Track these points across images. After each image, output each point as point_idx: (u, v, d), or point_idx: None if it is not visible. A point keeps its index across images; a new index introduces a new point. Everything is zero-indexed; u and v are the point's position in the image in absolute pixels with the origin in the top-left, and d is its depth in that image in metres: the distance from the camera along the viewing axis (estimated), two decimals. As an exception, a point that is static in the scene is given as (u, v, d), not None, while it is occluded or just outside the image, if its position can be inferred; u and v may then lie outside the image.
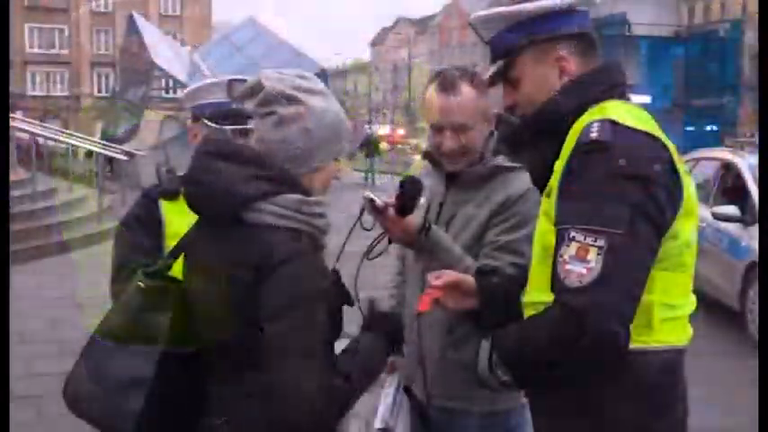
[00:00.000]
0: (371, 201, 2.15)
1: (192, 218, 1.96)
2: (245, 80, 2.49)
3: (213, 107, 2.57)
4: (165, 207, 2.50)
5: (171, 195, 2.47)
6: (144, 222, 2.50)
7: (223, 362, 1.87)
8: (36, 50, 58.34)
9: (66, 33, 58.74)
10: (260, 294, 1.75)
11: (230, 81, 2.59)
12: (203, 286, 1.86)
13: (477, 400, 2.37)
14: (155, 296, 1.90)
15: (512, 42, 1.86)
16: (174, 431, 1.93)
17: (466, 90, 2.33)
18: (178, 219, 2.24)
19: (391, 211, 2.15)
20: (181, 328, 1.89)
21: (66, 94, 58.11)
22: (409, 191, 2.15)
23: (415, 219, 2.17)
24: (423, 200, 2.40)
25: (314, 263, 1.82)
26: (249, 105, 1.88)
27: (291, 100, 1.85)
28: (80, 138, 20.78)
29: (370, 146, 29.30)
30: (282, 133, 1.85)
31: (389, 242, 2.33)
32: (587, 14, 1.91)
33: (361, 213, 2.21)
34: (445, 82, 2.36)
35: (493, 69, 1.92)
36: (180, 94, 37.67)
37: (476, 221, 2.36)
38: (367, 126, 34.78)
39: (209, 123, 2.54)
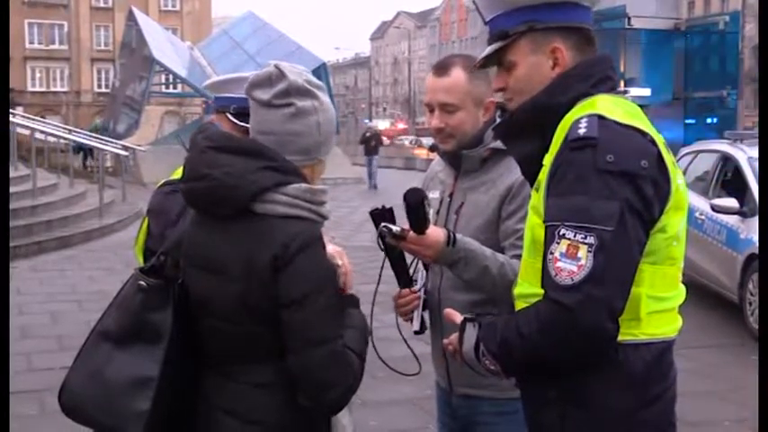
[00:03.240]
0: (389, 231, 2.13)
1: None
2: None
3: (239, 103, 2.52)
4: None
5: None
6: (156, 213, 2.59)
7: (230, 355, 1.89)
8: (36, 46, 58.32)
9: (66, 29, 58.68)
10: (278, 283, 1.79)
11: None
12: (213, 281, 1.87)
13: (497, 387, 2.37)
14: (156, 295, 1.90)
15: (510, 26, 1.87)
16: (179, 427, 1.94)
17: (456, 73, 2.40)
18: None
19: (411, 233, 2.15)
20: (183, 325, 1.90)
21: (65, 89, 58.08)
22: (413, 202, 2.13)
23: (437, 233, 2.18)
24: (437, 194, 2.42)
25: (324, 249, 1.87)
26: (261, 94, 1.89)
27: (307, 93, 1.90)
28: (80, 134, 20.80)
29: (371, 142, 24.93)
30: (297, 126, 1.89)
31: (426, 268, 2.34)
32: (589, 10, 1.92)
33: (385, 249, 2.22)
34: (440, 64, 2.48)
35: (488, 50, 1.93)
36: (180, 89, 37.72)
37: (485, 207, 2.39)
38: (366, 120, 30.71)
39: (233, 120, 2.53)
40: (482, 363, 1.80)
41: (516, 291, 1.86)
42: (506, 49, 1.88)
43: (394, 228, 2.13)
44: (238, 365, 1.88)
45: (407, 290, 2.41)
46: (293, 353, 1.80)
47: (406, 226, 2.16)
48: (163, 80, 35.15)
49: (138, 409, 1.81)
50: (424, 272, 2.40)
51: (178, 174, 2.38)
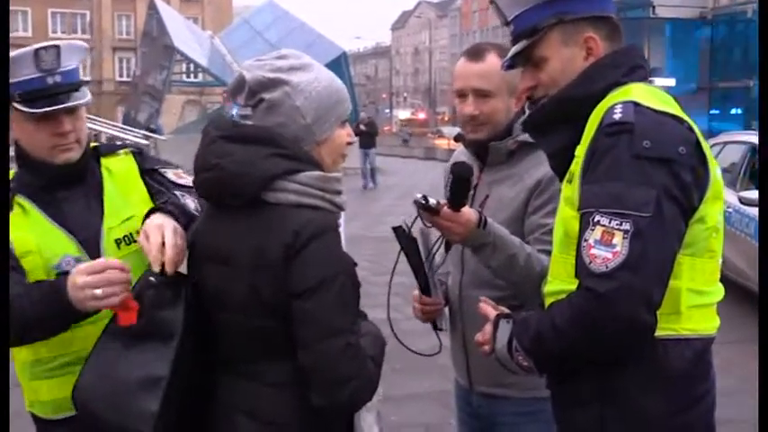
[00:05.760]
0: (425, 201, 2.07)
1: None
2: (55, 47, 2.09)
3: (24, 86, 2.05)
4: None
5: None
6: None
7: (245, 353, 1.83)
8: (59, 35, 58.73)
9: (88, 18, 59.09)
10: (290, 273, 1.72)
11: (37, 51, 2.06)
12: (226, 274, 1.81)
13: (518, 387, 2.34)
14: (167, 292, 1.84)
15: (539, 21, 1.81)
16: (192, 428, 1.89)
17: (491, 58, 2.33)
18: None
19: (446, 209, 2.09)
20: (194, 322, 1.84)
21: (87, 78, 58.48)
22: (460, 175, 2.09)
23: (470, 213, 2.11)
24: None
25: (339, 238, 1.80)
26: (240, 99, 1.84)
27: (273, 84, 1.81)
28: (102, 122, 20.91)
29: (366, 132, 20.41)
30: (276, 118, 1.81)
31: (447, 249, 2.29)
32: (612, 0, 1.88)
33: (407, 255, 2.20)
34: (473, 50, 2.40)
35: (516, 49, 1.86)
36: (201, 78, 37.84)
37: (511, 201, 2.32)
38: (363, 112, 24.32)
39: (20, 107, 2.04)
40: (515, 359, 1.74)
41: (546, 289, 1.80)
42: (536, 44, 1.82)
43: (431, 200, 2.07)
44: (254, 364, 1.82)
45: (430, 298, 2.36)
46: (305, 346, 1.72)
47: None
48: (183, 69, 35.31)
49: (148, 409, 1.76)
50: (445, 250, 2.33)
51: None
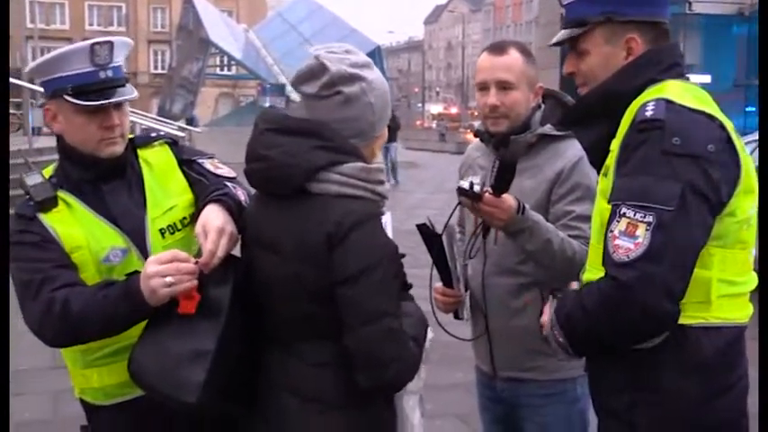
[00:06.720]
0: (470, 188, 2.15)
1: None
2: (109, 42, 2.17)
3: (77, 80, 2.09)
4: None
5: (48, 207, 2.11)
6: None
7: (291, 333, 1.91)
8: (95, 28, 59.26)
9: (124, 11, 59.60)
10: (333, 261, 1.79)
11: (93, 46, 2.12)
12: (272, 260, 1.89)
13: (541, 369, 2.41)
14: (218, 270, 1.93)
15: (588, 15, 1.87)
16: (236, 401, 1.97)
17: (513, 53, 2.42)
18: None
19: (487, 195, 2.17)
20: (242, 301, 1.93)
21: (123, 70, 59.00)
22: (507, 160, 2.16)
23: (511, 199, 2.20)
24: (478, 179, 2.42)
25: (380, 225, 1.87)
26: (308, 88, 1.90)
27: (352, 79, 1.87)
28: (139, 114, 21.13)
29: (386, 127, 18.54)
30: (349, 112, 1.88)
31: (485, 234, 2.37)
32: (667, 5, 1.92)
33: (428, 247, 2.28)
34: (495, 45, 2.50)
35: (562, 36, 1.93)
36: (234, 71, 37.98)
37: (532, 192, 2.39)
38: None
39: (73, 100, 2.08)
40: (554, 335, 1.82)
41: (584, 277, 1.87)
42: (581, 36, 1.89)
43: (476, 186, 2.16)
44: (297, 345, 1.90)
45: (451, 289, 2.44)
46: (349, 330, 1.80)
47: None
48: (217, 62, 35.49)
49: (195, 379, 1.84)
50: (482, 239, 2.41)
51: None
